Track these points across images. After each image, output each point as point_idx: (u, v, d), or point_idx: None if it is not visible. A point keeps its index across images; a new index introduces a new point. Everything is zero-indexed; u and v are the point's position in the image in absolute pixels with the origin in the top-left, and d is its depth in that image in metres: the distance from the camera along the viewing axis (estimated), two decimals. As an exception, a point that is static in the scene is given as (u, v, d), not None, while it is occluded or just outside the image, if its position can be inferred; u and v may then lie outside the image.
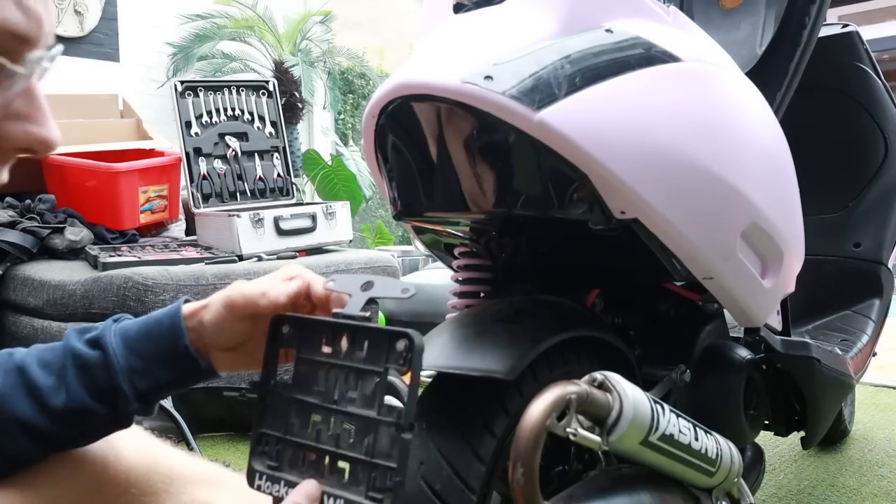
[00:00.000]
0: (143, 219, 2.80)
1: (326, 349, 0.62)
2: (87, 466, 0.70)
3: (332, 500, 0.57)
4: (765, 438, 1.53)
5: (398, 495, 0.55)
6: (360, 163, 4.92)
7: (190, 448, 1.59)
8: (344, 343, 0.61)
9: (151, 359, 0.67)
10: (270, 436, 0.64)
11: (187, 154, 2.77)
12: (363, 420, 0.58)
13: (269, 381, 0.65)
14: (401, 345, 0.58)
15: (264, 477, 0.62)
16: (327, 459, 0.59)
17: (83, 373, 0.65)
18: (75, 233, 2.55)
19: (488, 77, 0.77)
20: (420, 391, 0.78)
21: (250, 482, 0.62)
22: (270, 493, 0.60)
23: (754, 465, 1.16)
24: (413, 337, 0.57)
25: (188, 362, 0.68)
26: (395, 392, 0.59)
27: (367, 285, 0.64)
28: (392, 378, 0.58)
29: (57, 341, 0.69)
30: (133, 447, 0.74)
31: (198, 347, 0.69)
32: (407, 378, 0.59)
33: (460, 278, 1.05)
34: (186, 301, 0.71)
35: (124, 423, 0.70)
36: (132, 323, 0.69)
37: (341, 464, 0.58)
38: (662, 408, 0.83)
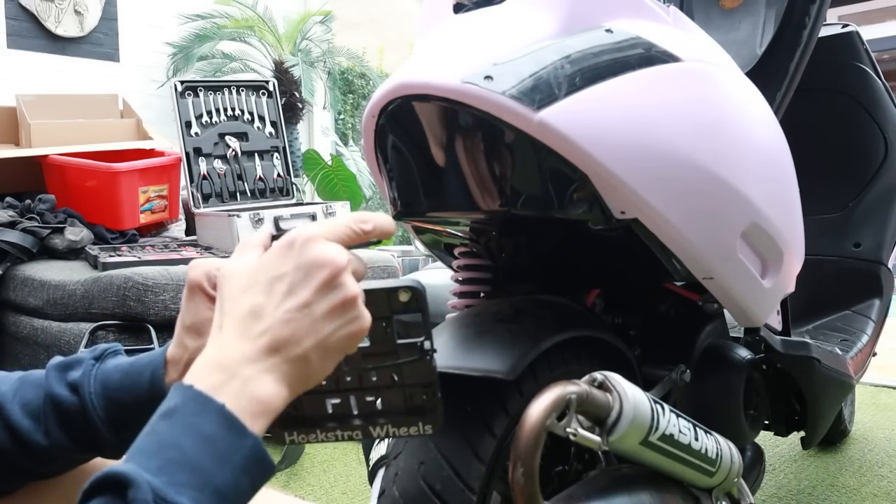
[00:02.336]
0: (143, 219, 2.80)
1: None
2: (77, 481, 0.69)
3: (377, 427, 0.59)
4: (765, 438, 1.53)
5: (440, 403, 0.59)
6: (360, 163, 4.92)
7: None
8: None
9: (134, 412, 0.63)
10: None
11: (187, 154, 2.78)
12: (384, 362, 0.59)
13: None
14: (404, 296, 0.58)
15: (294, 432, 0.62)
16: (354, 398, 0.60)
17: (63, 418, 0.63)
18: (75, 233, 2.55)
19: (488, 77, 0.77)
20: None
21: (280, 439, 0.62)
22: (307, 441, 0.60)
23: (754, 465, 1.16)
24: (415, 287, 0.58)
25: None
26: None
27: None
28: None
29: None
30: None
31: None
32: None
33: (460, 278, 1.05)
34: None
35: (113, 457, 0.67)
36: (114, 369, 0.65)
37: (369, 398, 0.59)
38: (662, 408, 0.83)
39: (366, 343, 0.59)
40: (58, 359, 0.66)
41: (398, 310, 0.58)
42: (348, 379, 0.59)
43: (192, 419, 0.47)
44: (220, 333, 0.51)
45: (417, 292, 0.58)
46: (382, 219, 0.57)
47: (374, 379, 0.59)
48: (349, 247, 0.56)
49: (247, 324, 0.50)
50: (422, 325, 0.59)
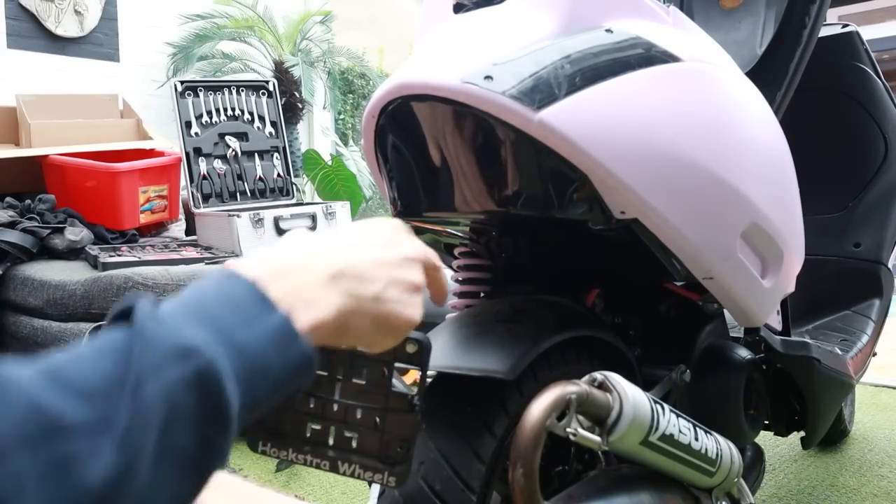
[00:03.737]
0: (143, 219, 2.80)
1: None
2: None
3: (346, 464, 0.59)
4: (765, 438, 1.53)
5: (411, 459, 0.60)
6: (360, 163, 4.92)
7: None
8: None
9: None
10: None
11: (187, 154, 2.78)
12: (371, 403, 0.60)
13: None
14: (411, 348, 0.60)
15: (269, 443, 0.62)
16: (333, 430, 0.60)
17: None
18: (75, 233, 2.55)
19: (488, 77, 0.77)
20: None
21: (253, 446, 0.63)
22: (277, 457, 0.61)
23: (754, 465, 1.16)
24: (423, 341, 0.60)
25: None
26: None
27: None
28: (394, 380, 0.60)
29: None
30: None
31: None
32: (407, 377, 0.61)
33: (460, 278, 1.05)
34: None
35: None
36: None
37: (348, 433, 0.60)
38: (662, 408, 0.83)
39: (362, 380, 0.60)
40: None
41: (402, 358, 0.60)
42: (335, 408, 0.60)
43: (222, 281, 0.43)
44: (290, 247, 0.50)
45: (424, 347, 0.60)
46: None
47: (358, 417, 0.60)
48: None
49: (325, 247, 0.50)
50: (419, 381, 0.60)
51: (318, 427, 0.60)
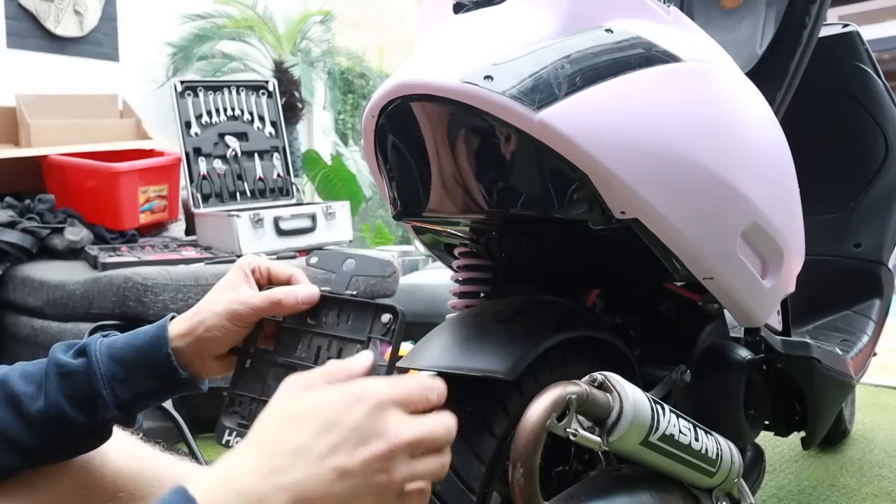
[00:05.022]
0: (143, 219, 2.80)
1: (312, 321, 0.65)
2: (72, 471, 0.69)
3: None
4: (765, 438, 1.53)
5: None
6: (360, 163, 4.92)
7: (190, 448, 1.59)
8: (329, 316, 0.64)
9: (133, 368, 0.66)
10: (245, 397, 0.66)
11: (187, 154, 2.78)
12: None
13: (249, 348, 0.68)
14: (386, 317, 0.61)
15: (234, 433, 0.63)
16: None
17: (64, 380, 0.65)
18: (75, 233, 2.55)
19: (488, 77, 0.77)
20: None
21: (219, 438, 0.63)
22: None
23: (754, 465, 1.16)
24: (398, 310, 0.61)
25: (169, 373, 0.67)
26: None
27: (348, 264, 0.68)
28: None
29: (57, 342, 0.69)
30: (120, 451, 0.74)
31: (190, 360, 0.68)
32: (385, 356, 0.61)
33: (460, 278, 1.05)
34: (174, 317, 0.70)
35: (103, 434, 0.69)
36: (119, 335, 0.69)
37: None
38: (662, 408, 0.83)
39: (340, 355, 0.62)
40: (60, 343, 0.69)
41: (377, 330, 0.61)
42: None
43: None
44: (249, 449, 0.48)
45: (399, 317, 0.60)
46: (442, 389, 0.55)
47: None
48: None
49: (279, 459, 0.47)
50: (391, 357, 0.61)
51: None
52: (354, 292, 0.65)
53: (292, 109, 4.64)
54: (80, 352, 0.67)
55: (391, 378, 0.56)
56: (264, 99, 3.03)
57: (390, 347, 0.60)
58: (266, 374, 0.65)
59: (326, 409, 0.49)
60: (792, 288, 1.07)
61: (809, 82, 1.24)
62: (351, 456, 0.47)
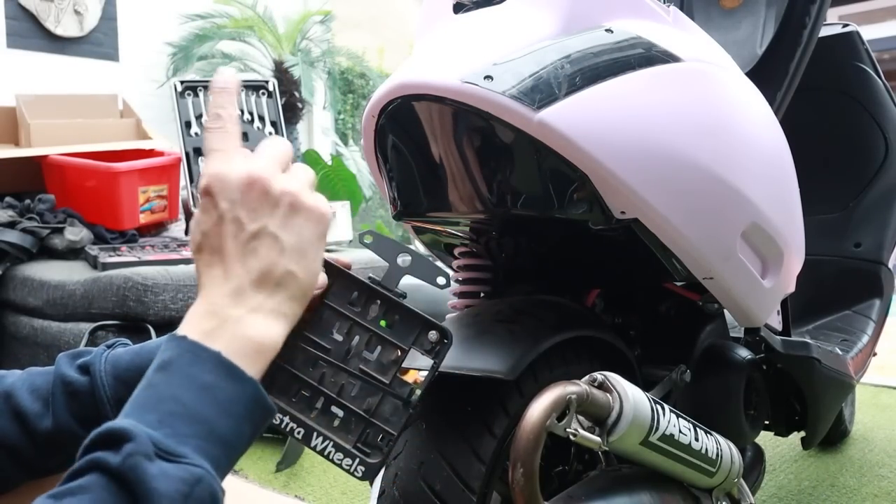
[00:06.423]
0: (143, 219, 2.80)
1: (355, 308, 0.62)
2: None
3: (320, 438, 0.59)
4: (765, 438, 1.53)
5: (387, 456, 0.59)
6: (360, 163, 4.92)
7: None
8: (372, 309, 0.62)
9: None
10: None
11: (187, 154, 2.78)
12: (373, 382, 0.60)
13: None
14: (433, 335, 0.60)
15: None
16: (321, 401, 0.60)
17: (72, 399, 0.64)
18: (75, 233, 2.55)
19: (488, 77, 0.77)
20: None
21: None
22: None
23: (754, 465, 1.16)
24: (449, 333, 0.59)
25: None
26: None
27: (405, 260, 0.65)
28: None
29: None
30: None
31: None
32: (407, 377, 0.61)
33: (460, 278, 1.05)
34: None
35: None
36: (125, 352, 0.67)
37: (335, 409, 0.60)
38: (662, 408, 0.83)
39: (373, 356, 0.60)
40: (65, 354, 0.68)
41: (422, 345, 0.60)
42: (332, 380, 0.60)
43: (189, 370, 0.47)
44: (208, 273, 0.52)
45: (447, 337, 0.59)
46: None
47: (353, 395, 0.59)
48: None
49: (224, 267, 0.51)
50: (428, 376, 0.60)
51: (307, 394, 0.60)
52: (405, 293, 0.63)
53: (292, 109, 4.64)
54: (85, 369, 0.65)
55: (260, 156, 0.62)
56: (264, 99, 3.03)
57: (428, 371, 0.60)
58: (295, 345, 0.60)
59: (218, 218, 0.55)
60: (792, 288, 1.07)
61: (809, 82, 1.24)
62: (248, 220, 0.53)
